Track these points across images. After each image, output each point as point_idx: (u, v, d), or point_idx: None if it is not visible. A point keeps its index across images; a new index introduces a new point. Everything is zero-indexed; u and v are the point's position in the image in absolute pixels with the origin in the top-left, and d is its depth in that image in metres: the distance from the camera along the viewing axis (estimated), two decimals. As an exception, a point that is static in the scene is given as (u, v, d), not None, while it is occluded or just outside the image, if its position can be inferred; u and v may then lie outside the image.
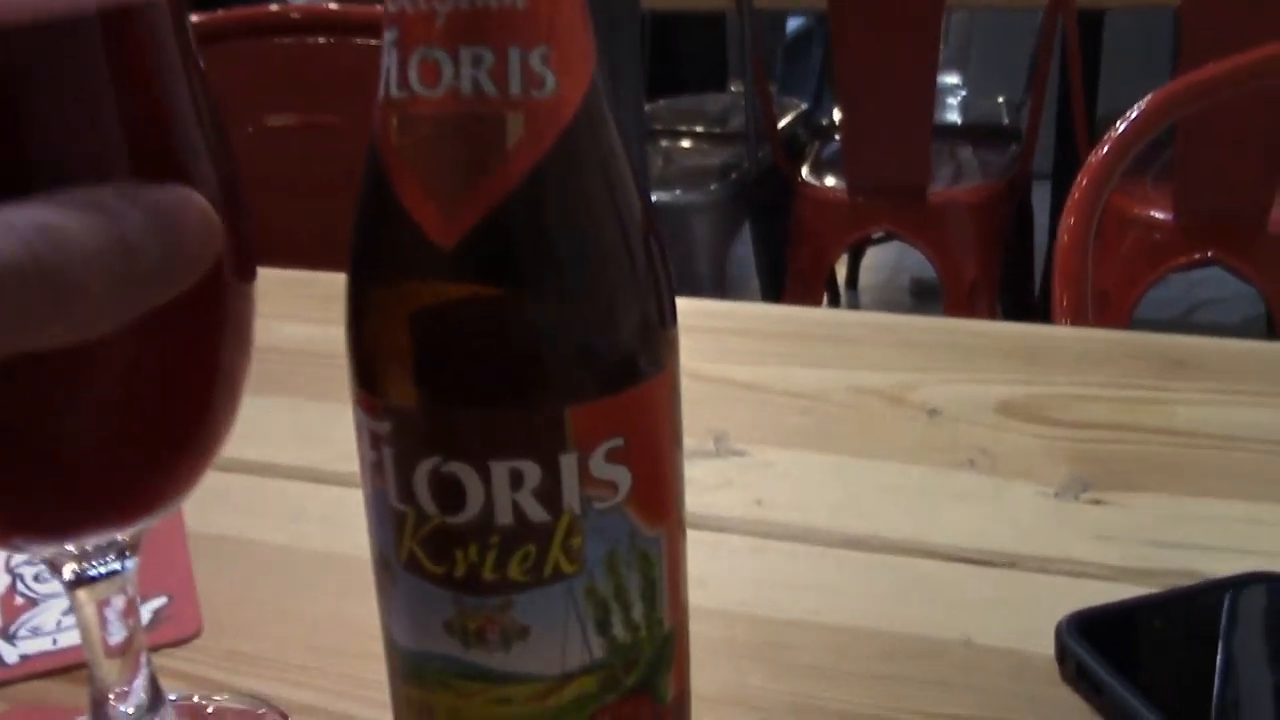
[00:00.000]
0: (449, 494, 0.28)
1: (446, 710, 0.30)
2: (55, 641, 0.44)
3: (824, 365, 0.61)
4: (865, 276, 2.87)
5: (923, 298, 2.74)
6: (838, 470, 0.53)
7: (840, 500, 0.50)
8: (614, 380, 0.29)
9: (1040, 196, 2.28)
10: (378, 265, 0.29)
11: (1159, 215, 1.69)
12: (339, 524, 0.50)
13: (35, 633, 0.45)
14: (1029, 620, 0.42)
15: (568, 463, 0.28)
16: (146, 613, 0.46)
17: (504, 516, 0.28)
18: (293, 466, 0.55)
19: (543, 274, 0.28)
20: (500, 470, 0.28)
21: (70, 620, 0.46)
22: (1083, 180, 0.78)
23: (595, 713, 0.30)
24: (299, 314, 0.70)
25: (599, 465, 0.28)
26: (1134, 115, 0.81)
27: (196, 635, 0.44)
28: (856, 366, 0.61)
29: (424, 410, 0.28)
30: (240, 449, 0.57)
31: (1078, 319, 0.75)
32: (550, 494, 0.28)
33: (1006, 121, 2.47)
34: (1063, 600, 0.41)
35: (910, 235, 2.12)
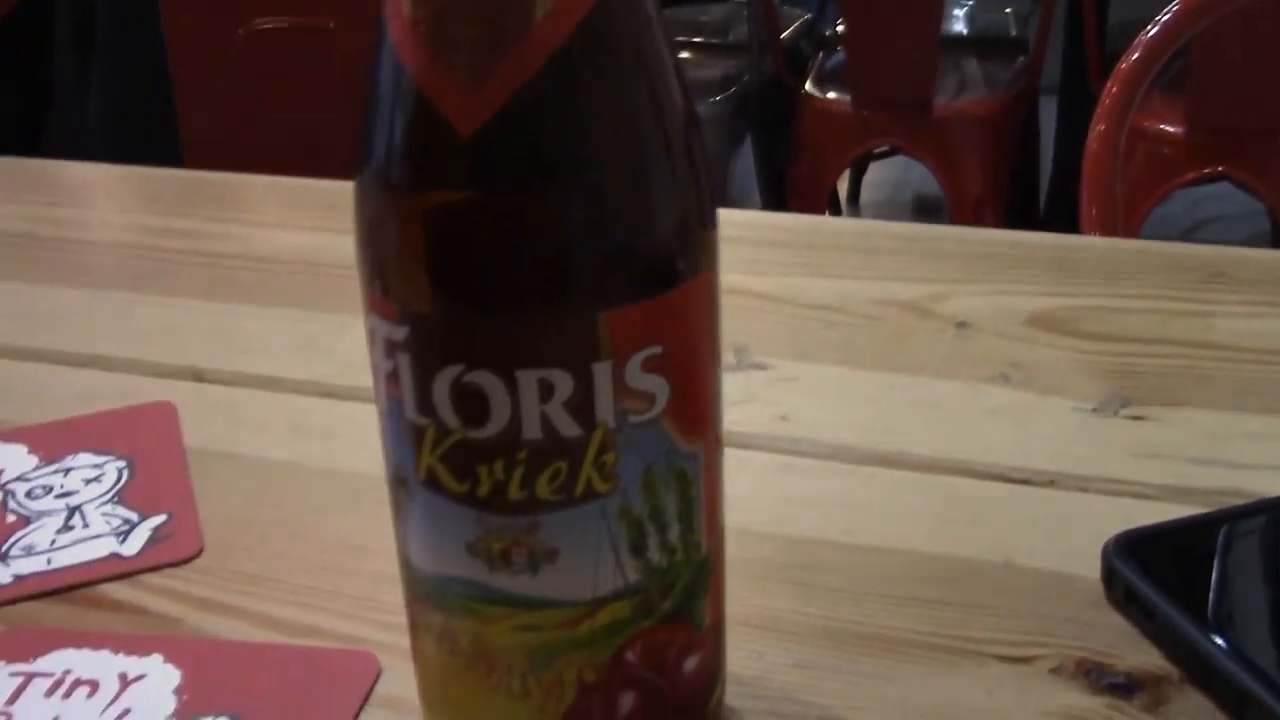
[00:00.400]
0: (472, 406, 0.26)
1: (470, 637, 0.28)
2: (50, 561, 0.42)
3: (847, 276, 0.59)
4: (867, 193, 2.83)
5: (926, 215, 2.70)
6: (865, 385, 0.50)
7: (869, 416, 0.48)
8: (652, 283, 0.26)
9: (1046, 113, 2.23)
10: (391, 153, 0.26)
11: (1169, 129, 1.66)
12: (346, 439, 0.48)
13: (28, 552, 0.43)
14: (1072, 541, 0.40)
15: (601, 372, 0.26)
16: (144, 531, 0.44)
17: (532, 430, 0.26)
18: (296, 379, 0.53)
19: (576, 163, 0.25)
20: (528, 380, 0.25)
21: (65, 539, 0.44)
22: (1113, 87, 0.75)
23: (628, 640, 0.28)
24: (297, 222, 0.67)
25: (635, 375, 0.26)
26: (1166, 17, 0.78)
27: (197, 555, 0.42)
28: (881, 278, 0.58)
29: (445, 314, 0.26)
30: (241, 362, 0.55)
31: (1107, 229, 0.73)
32: (582, 406, 0.26)
33: (1014, 33, 2.41)
34: (1107, 520, 0.39)
35: (914, 149, 2.08)
